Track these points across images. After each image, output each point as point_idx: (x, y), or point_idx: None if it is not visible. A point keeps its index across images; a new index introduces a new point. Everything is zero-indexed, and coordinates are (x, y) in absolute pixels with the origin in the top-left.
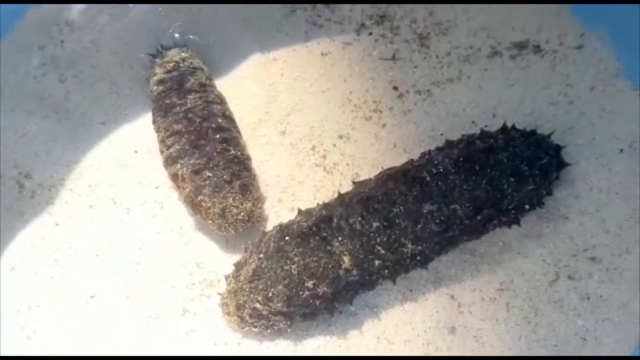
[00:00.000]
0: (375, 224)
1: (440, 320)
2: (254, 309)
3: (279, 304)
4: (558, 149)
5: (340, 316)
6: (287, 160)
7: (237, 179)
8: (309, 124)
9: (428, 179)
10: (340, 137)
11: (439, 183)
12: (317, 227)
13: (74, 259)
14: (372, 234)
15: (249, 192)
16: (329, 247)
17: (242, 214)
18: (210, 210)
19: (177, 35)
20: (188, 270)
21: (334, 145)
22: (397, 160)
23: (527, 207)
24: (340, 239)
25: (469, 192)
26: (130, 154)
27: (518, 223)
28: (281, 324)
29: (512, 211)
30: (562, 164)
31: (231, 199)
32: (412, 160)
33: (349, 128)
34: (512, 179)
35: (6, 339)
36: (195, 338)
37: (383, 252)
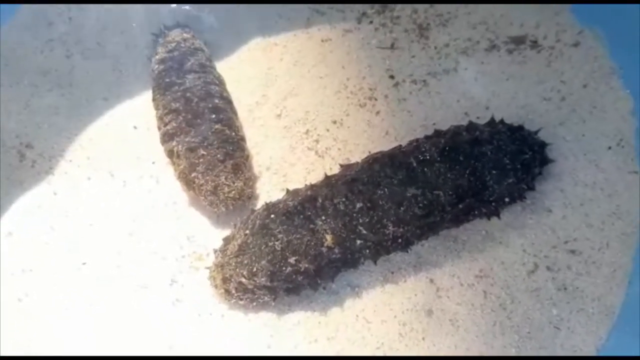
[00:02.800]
0: (358, 205)
1: (418, 302)
2: (240, 282)
3: (263, 279)
4: (543, 145)
5: (323, 293)
6: (280, 143)
7: (230, 159)
8: (304, 109)
9: (414, 164)
10: (334, 122)
11: (425, 169)
12: (302, 206)
13: (69, 227)
14: (355, 214)
15: (241, 172)
16: (312, 226)
17: (233, 192)
18: (203, 187)
19: (173, 5)
20: (179, 244)
21: (327, 130)
22: (388, 147)
23: (507, 200)
24: (323, 218)
25: (452, 181)
26: (130, 129)
27: (498, 215)
28: (265, 298)
29: (493, 203)
30: (545, 160)
31: (223, 177)
32: (400, 146)
33: (343, 114)
34: (494, 172)
35: None
36: (181, 308)
37: (365, 232)
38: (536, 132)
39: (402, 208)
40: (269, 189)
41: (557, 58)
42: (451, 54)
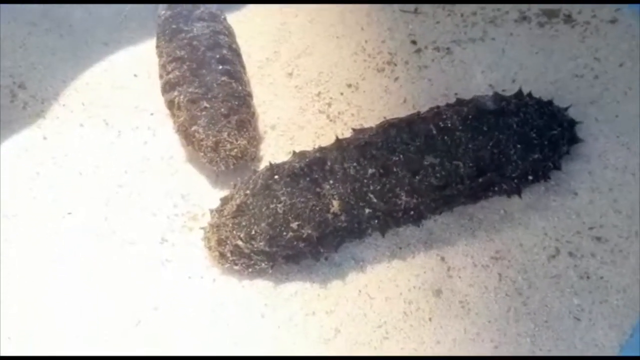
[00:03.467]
0: (370, 171)
1: (426, 281)
2: (236, 245)
3: (261, 243)
4: (572, 123)
5: (324, 264)
6: (290, 103)
7: (234, 114)
8: (318, 69)
9: (434, 132)
10: (349, 86)
11: (445, 137)
12: (309, 168)
13: (57, 174)
14: (366, 181)
15: (245, 129)
16: (318, 190)
17: (235, 150)
18: (203, 143)
19: None
20: (172, 201)
21: (341, 93)
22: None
23: (530, 177)
24: (331, 182)
25: (473, 152)
26: (129, 77)
27: (519, 194)
28: (263, 264)
29: (515, 180)
30: (574, 139)
31: (226, 133)
32: (419, 112)
33: (359, 78)
34: (518, 146)
35: None
36: (170, 268)
37: (375, 200)
38: (566, 109)
39: (417, 177)
40: (274, 151)
41: (591, 34)
42: (478, 22)
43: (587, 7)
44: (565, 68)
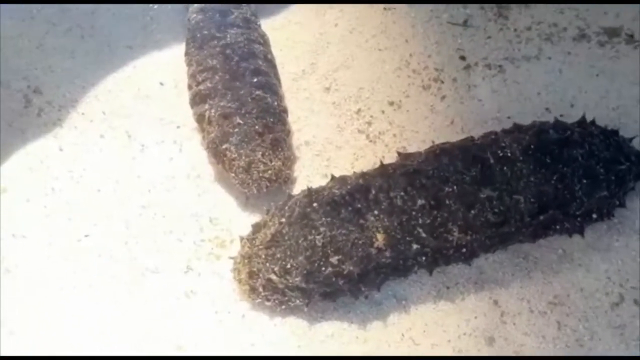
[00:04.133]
0: (420, 202)
1: (477, 327)
2: (269, 280)
3: (297, 278)
4: None
5: (363, 303)
6: (327, 121)
7: (269, 132)
8: (358, 84)
9: (492, 161)
10: (391, 103)
11: (504, 168)
12: (351, 196)
13: (73, 191)
14: (414, 213)
15: (280, 149)
16: (362, 221)
17: (269, 172)
18: (235, 162)
19: None
20: (199, 225)
21: (383, 112)
22: (452, 138)
23: (594, 216)
24: (376, 213)
25: (535, 186)
26: (155, 85)
27: (581, 233)
28: (297, 301)
29: (578, 218)
30: None
31: (260, 153)
32: (472, 137)
33: (402, 95)
34: (584, 181)
35: None
36: (195, 301)
37: (424, 235)
38: (631, 140)
39: (472, 211)
40: (309, 173)
41: None
42: (533, 39)
43: None
44: (628, 93)
